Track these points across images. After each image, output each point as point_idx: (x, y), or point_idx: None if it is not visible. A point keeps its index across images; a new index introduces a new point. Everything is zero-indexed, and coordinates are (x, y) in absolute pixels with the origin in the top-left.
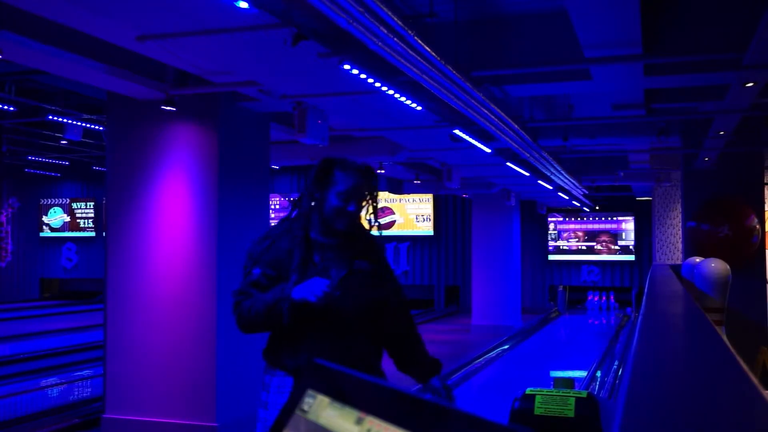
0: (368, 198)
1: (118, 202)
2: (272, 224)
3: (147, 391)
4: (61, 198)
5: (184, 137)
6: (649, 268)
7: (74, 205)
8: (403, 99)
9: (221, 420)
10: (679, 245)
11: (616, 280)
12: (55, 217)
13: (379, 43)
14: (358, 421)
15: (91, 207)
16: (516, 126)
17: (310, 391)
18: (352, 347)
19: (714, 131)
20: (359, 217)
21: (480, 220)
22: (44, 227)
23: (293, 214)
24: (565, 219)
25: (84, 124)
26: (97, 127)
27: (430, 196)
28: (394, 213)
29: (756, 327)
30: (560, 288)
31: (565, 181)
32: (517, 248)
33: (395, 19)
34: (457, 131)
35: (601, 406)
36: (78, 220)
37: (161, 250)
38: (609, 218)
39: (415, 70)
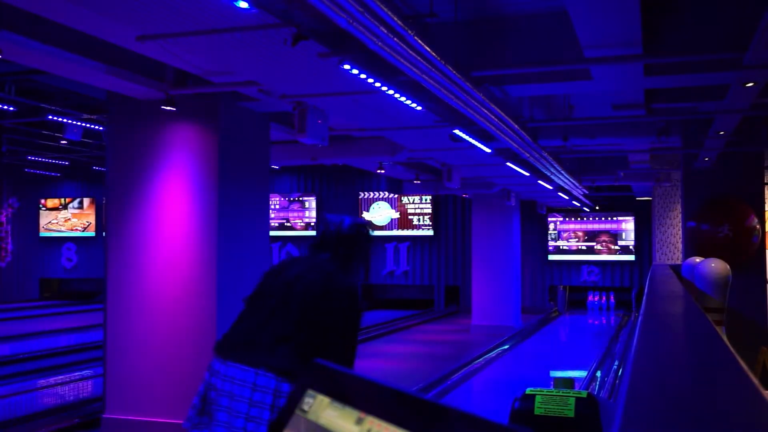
0: None
1: (118, 202)
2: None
3: (147, 391)
4: (62, 198)
5: (184, 137)
6: (649, 268)
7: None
8: (403, 99)
9: None
10: (679, 245)
11: (616, 280)
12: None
13: (379, 43)
14: (358, 421)
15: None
16: (516, 126)
17: (310, 391)
18: None
19: (714, 131)
20: None
21: (480, 220)
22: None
23: None
24: (565, 219)
25: (84, 124)
26: (97, 127)
27: (429, 196)
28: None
29: (756, 327)
30: (560, 288)
31: (565, 181)
32: (517, 248)
33: (395, 19)
34: (457, 131)
35: (601, 406)
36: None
37: (161, 250)
38: (609, 218)
39: (415, 70)
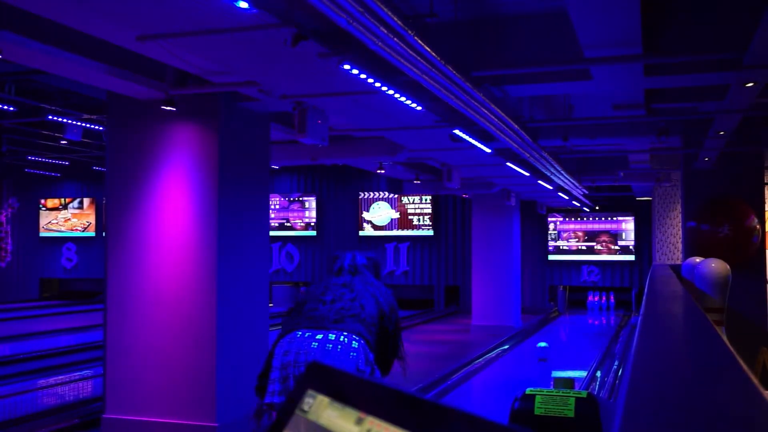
0: None
1: (118, 202)
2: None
3: (147, 391)
4: (62, 197)
5: (184, 137)
6: (649, 268)
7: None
8: (403, 99)
9: (221, 420)
10: (679, 245)
11: (616, 280)
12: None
13: (379, 43)
14: (358, 422)
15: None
16: (516, 126)
17: (310, 391)
18: None
19: (714, 131)
20: None
21: (480, 220)
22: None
23: None
24: (565, 219)
25: (84, 124)
26: (97, 127)
27: (429, 196)
28: None
29: (756, 327)
30: (560, 288)
31: (565, 181)
32: (517, 248)
33: (395, 19)
34: (457, 131)
35: (601, 406)
36: None
37: (161, 250)
38: (609, 218)
39: (415, 70)
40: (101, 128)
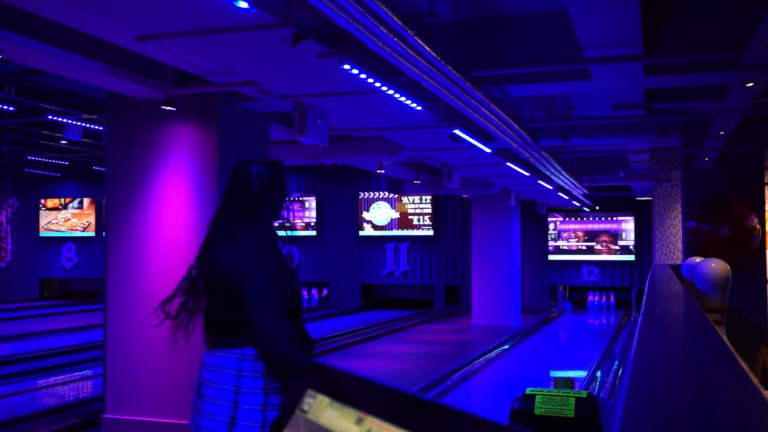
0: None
1: (118, 202)
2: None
3: (147, 391)
4: (63, 197)
5: (184, 137)
6: (649, 268)
7: None
8: (403, 99)
9: None
10: (679, 245)
11: (616, 280)
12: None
13: (379, 43)
14: (358, 421)
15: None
16: (516, 126)
17: (310, 391)
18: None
19: (714, 131)
20: None
21: (480, 220)
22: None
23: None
24: (565, 219)
25: (84, 124)
26: (97, 127)
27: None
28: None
29: (756, 327)
30: (560, 288)
31: (565, 181)
32: (517, 248)
33: (395, 19)
34: (457, 131)
35: (601, 406)
36: None
37: (161, 250)
38: (609, 218)
39: (415, 70)
40: (101, 128)
